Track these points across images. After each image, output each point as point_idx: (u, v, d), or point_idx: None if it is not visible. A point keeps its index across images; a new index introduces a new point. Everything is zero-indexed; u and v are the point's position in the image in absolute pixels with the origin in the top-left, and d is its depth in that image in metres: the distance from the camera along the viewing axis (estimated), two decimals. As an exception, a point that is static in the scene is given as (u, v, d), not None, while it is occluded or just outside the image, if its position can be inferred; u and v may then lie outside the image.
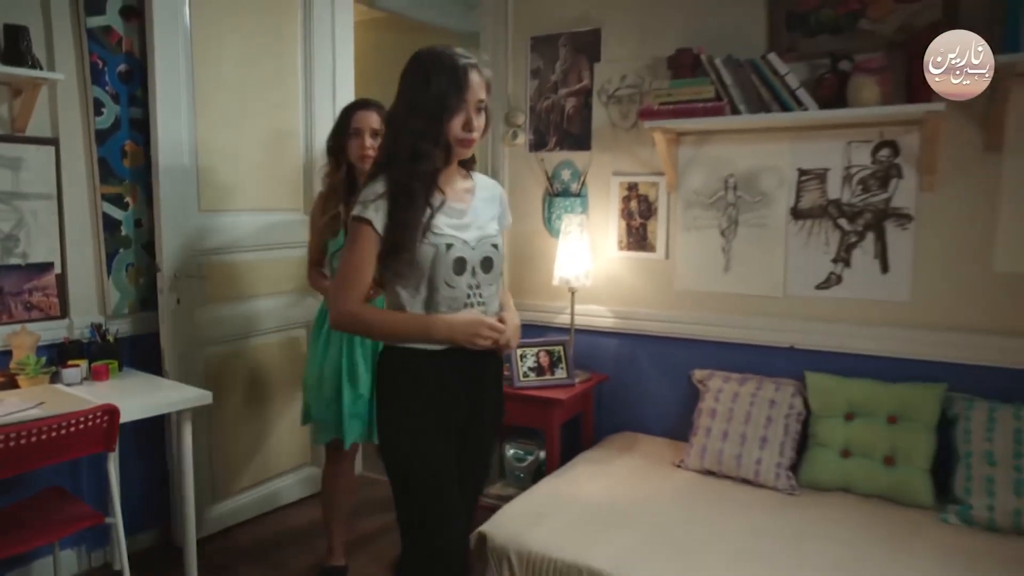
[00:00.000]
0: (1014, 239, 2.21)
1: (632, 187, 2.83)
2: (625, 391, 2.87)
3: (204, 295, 2.79)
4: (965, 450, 2.13)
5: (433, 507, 1.61)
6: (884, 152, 2.37)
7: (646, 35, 2.72)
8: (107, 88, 2.60)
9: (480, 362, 1.67)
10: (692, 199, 2.71)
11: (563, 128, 2.95)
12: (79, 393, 2.24)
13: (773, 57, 2.32)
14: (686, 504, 2.20)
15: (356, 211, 1.58)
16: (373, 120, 2.35)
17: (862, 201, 2.42)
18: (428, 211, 1.58)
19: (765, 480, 2.31)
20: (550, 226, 3.00)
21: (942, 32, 2.15)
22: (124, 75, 2.64)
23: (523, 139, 3.03)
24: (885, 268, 2.40)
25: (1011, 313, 2.23)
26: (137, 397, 2.27)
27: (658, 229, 2.79)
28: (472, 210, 1.68)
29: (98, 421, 2.01)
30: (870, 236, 2.42)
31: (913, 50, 2.15)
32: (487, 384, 1.72)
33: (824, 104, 2.29)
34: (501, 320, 1.64)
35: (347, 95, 3.29)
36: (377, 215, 1.56)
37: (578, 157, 2.93)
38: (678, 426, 2.69)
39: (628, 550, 1.92)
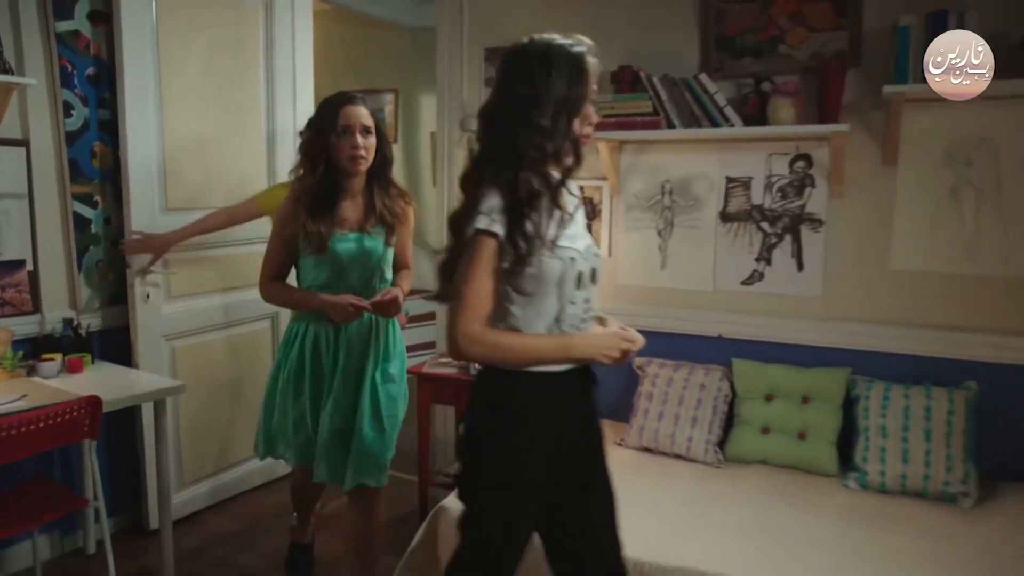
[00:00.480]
0: (906, 241, 2.54)
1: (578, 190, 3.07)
2: (572, 377, 3.12)
3: (171, 290, 2.91)
4: (864, 425, 2.45)
5: (522, 536, 1.56)
6: (800, 164, 2.67)
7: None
8: (76, 91, 2.68)
9: (587, 378, 1.60)
10: (632, 202, 2.97)
11: (515, 134, 3.16)
12: (57, 385, 2.35)
13: (704, 77, 2.59)
14: (626, 477, 2.45)
15: (480, 224, 1.40)
16: (364, 116, 2.12)
17: (781, 207, 2.72)
18: (558, 218, 1.46)
19: (695, 455, 2.60)
20: (502, 225, 3.22)
21: (847, 61, 2.46)
22: (92, 78, 2.73)
23: (477, 143, 3.23)
24: (800, 266, 2.71)
25: (904, 306, 2.57)
26: (114, 388, 2.39)
27: (602, 229, 3.04)
28: (574, 217, 1.56)
29: (83, 412, 2.14)
30: (788, 238, 2.72)
31: (823, 75, 2.44)
32: (594, 400, 1.65)
33: (748, 121, 2.57)
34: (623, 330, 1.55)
35: (307, 93, 3.43)
36: (502, 227, 1.40)
37: (529, 161, 3.15)
38: (619, 408, 2.95)
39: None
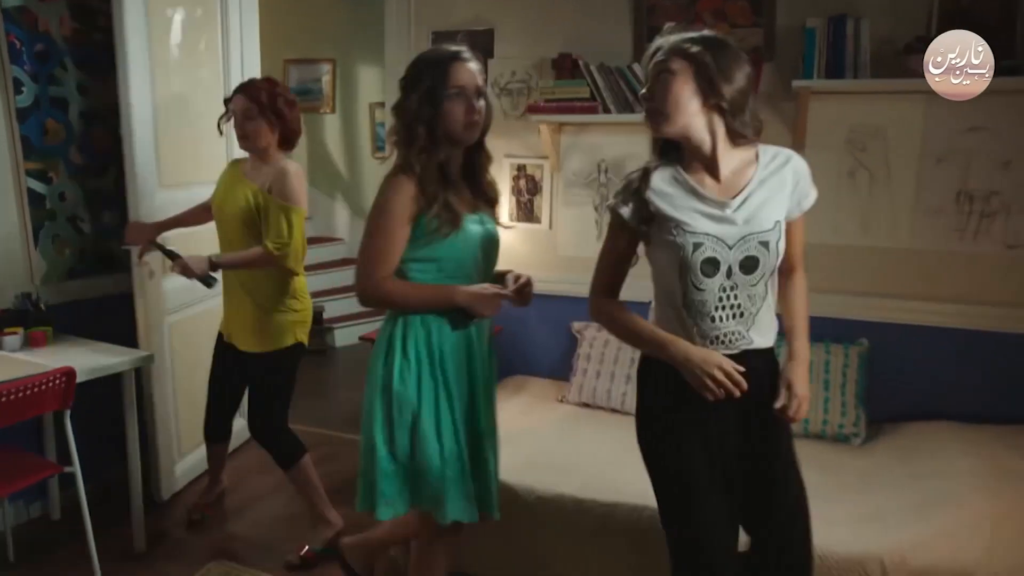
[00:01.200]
0: (813, 217, 2.76)
1: (521, 168, 3.29)
2: (517, 341, 3.37)
3: (167, 266, 2.90)
4: (774, 378, 2.80)
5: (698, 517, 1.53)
6: (721, 146, 2.96)
7: (533, 38, 3.15)
8: (25, 68, 2.70)
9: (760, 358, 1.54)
10: (571, 179, 3.21)
11: (461, 114, 3.33)
12: (24, 358, 2.43)
13: (637, 67, 2.83)
14: (566, 429, 2.75)
15: (609, 202, 1.55)
16: (478, 76, 1.75)
17: (704, 185, 3.01)
18: (687, 199, 1.48)
19: (629, 409, 2.87)
20: (450, 200, 3.41)
21: (762, 56, 2.74)
22: (41, 55, 2.74)
23: (425, 122, 3.38)
24: (721, 238, 3.02)
25: (809, 274, 2.89)
26: (82, 359, 2.46)
27: (543, 204, 3.27)
28: (741, 198, 1.47)
29: (58, 383, 2.24)
30: (710, 213, 3.02)
31: (742, 68, 2.71)
32: (766, 382, 1.54)
33: (676, 107, 2.83)
34: (742, 367, 1.44)
35: (254, 68, 3.43)
36: (623, 204, 1.50)
37: (474, 140, 3.33)
38: (560, 368, 3.23)
39: (520, 465, 2.41)
